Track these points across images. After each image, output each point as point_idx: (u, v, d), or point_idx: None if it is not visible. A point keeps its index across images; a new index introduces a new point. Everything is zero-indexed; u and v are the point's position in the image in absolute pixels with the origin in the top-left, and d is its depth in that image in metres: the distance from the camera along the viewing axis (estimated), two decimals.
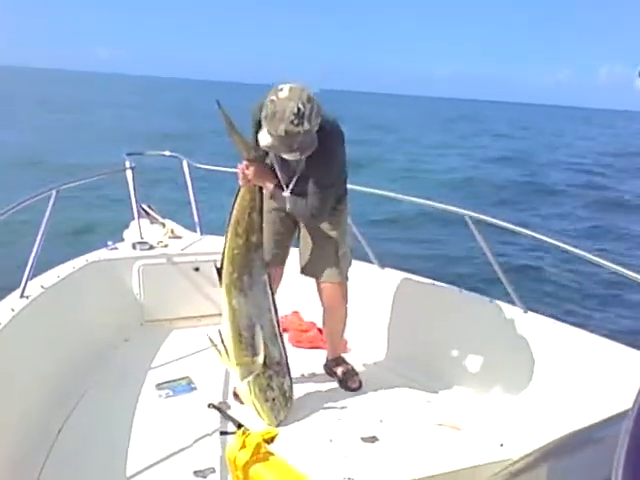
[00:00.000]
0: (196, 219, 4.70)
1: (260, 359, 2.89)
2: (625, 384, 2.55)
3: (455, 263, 9.25)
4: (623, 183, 21.88)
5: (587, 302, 8.16)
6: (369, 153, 23.61)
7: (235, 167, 2.98)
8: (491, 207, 15.26)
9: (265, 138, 2.67)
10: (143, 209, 4.80)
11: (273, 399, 2.90)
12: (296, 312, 4.10)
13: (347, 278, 3.23)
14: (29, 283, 3.20)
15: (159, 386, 3.24)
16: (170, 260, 4.12)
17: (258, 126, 2.76)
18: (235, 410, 2.98)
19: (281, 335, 3.04)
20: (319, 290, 3.23)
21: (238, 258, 2.95)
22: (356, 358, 3.47)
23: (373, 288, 3.77)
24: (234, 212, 2.97)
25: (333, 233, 3.15)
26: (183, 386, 3.26)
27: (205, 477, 2.44)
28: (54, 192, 3.54)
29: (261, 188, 2.97)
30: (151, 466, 2.52)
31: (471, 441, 2.80)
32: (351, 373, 3.34)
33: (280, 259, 3.26)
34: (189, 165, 4.78)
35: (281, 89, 2.60)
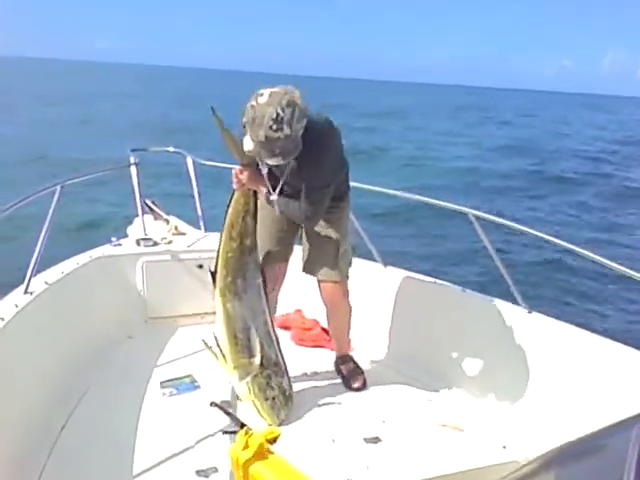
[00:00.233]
0: (200, 216, 4.69)
1: (257, 360, 2.91)
2: (631, 387, 2.54)
3: (458, 262, 9.24)
4: (631, 171, 21.77)
5: (592, 302, 8.13)
6: (374, 141, 23.54)
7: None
8: (498, 196, 15.24)
9: (248, 143, 2.67)
10: (147, 205, 4.79)
11: (273, 398, 2.90)
12: (299, 310, 4.10)
13: (347, 276, 3.22)
14: (33, 279, 3.20)
15: (163, 384, 3.24)
16: (174, 257, 4.12)
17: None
18: (238, 409, 2.98)
19: (276, 336, 3.05)
20: (319, 288, 3.23)
21: (232, 261, 2.97)
22: (359, 357, 3.46)
23: (376, 287, 3.76)
24: (228, 216, 3.00)
25: (334, 231, 3.14)
26: (186, 384, 3.26)
27: (207, 476, 2.44)
28: (58, 188, 3.54)
29: (255, 192, 2.99)
30: (153, 464, 2.52)
31: (474, 443, 2.79)
32: (355, 372, 3.33)
33: (283, 256, 3.25)
34: (193, 161, 4.77)
35: (261, 94, 2.59)
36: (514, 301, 3.24)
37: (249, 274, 2.99)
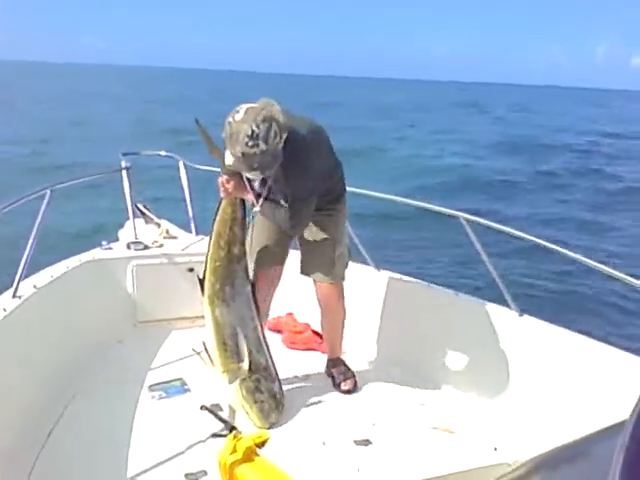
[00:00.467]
0: (191, 219, 4.68)
1: (245, 365, 2.93)
2: (621, 389, 2.54)
3: (450, 265, 9.24)
4: (621, 168, 21.79)
5: (582, 305, 8.15)
6: (366, 140, 23.46)
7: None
8: (489, 196, 15.23)
9: (228, 158, 2.73)
10: (138, 209, 4.77)
11: (262, 401, 2.91)
12: (290, 313, 4.09)
13: (343, 278, 3.24)
14: (22, 283, 3.18)
15: (152, 387, 3.22)
16: (165, 260, 4.10)
17: None
18: (228, 412, 2.96)
19: (267, 342, 3.06)
20: (315, 289, 3.24)
21: (220, 270, 3.02)
22: (351, 360, 3.45)
23: (369, 290, 3.76)
24: (215, 224, 3.05)
25: (331, 233, 3.15)
26: (176, 387, 3.24)
27: None
28: (48, 191, 3.52)
29: (243, 201, 3.03)
30: (143, 468, 2.51)
31: (465, 445, 2.79)
32: (346, 375, 3.33)
33: (279, 259, 3.26)
34: (185, 165, 4.76)
35: (238, 111, 2.66)
36: (505, 304, 3.24)
37: (238, 282, 3.03)
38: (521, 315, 3.18)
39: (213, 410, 2.93)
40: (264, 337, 3.07)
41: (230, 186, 2.95)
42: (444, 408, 3.15)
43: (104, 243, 4.21)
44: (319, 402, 3.14)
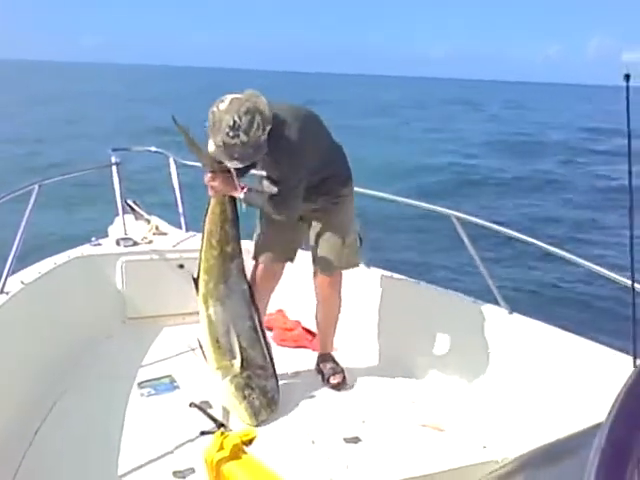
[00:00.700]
0: (181, 216, 4.66)
1: (237, 362, 2.92)
2: (609, 387, 2.54)
3: (440, 262, 9.25)
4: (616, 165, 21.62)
5: (572, 303, 8.18)
6: (359, 138, 23.28)
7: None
8: (482, 195, 15.17)
9: (211, 146, 2.79)
10: (128, 205, 4.75)
11: (253, 398, 2.89)
12: (280, 310, 4.08)
13: (357, 265, 3.30)
14: (9, 279, 3.15)
15: (141, 384, 3.20)
16: (154, 257, 4.08)
17: None
18: (217, 409, 2.95)
19: (265, 340, 3.07)
20: (314, 280, 3.25)
21: (214, 268, 3.03)
22: (341, 357, 3.45)
23: (358, 287, 3.75)
24: (206, 224, 3.07)
25: (339, 221, 3.17)
26: (165, 385, 3.22)
27: (184, 478, 2.41)
28: (36, 187, 3.50)
29: (234, 199, 3.03)
30: (131, 465, 2.49)
31: (454, 442, 2.79)
32: (335, 370, 3.32)
33: (284, 256, 3.29)
34: (175, 161, 4.73)
35: (222, 100, 2.72)
36: (495, 302, 3.25)
37: (232, 280, 3.04)
38: (511, 313, 3.19)
39: (202, 407, 2.92)
40: (264, 335, 3.08)
41: (216, 183, 2.97)
42: (434, 406, 3.15)
43: (93, 239, 4.18)
44: (309, 400, 3.13)
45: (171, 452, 2.59)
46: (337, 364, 3.36)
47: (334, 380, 3.28)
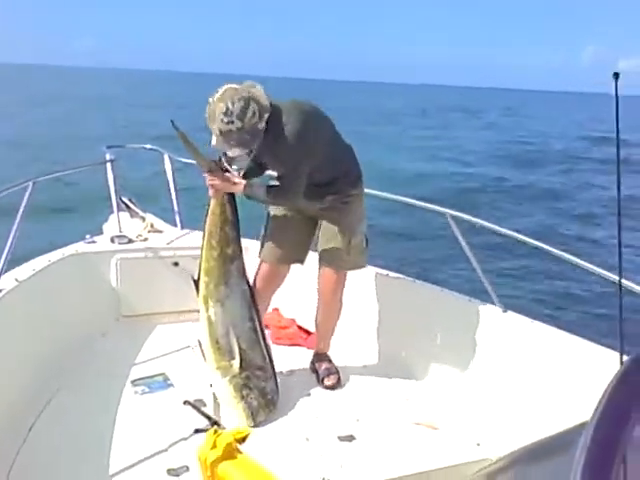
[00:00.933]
0: (176, 213, 4.65)
1: (235, 363, 2.92)
2: (603, 385, 2.55)
3: (435, 261, 9.27)
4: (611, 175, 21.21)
5: (566, 302, 8.22)
6: (356, 146, 22.87)
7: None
8: (482, 206, 15.03)
9: (212, 139, 2.84)
10: (123, 202, 4.74)
11: (251, 398, 2.88)
12: (276, 309, 4.07)
13: (363, 265, 3.31)
14: (3, 276, 3.13)
15: (135, 382, 3.19)
16: (149, 254, 4.07)
17: None
18: (211, 408, 2.95)
19: (265, 342, 3.07)
20: (317, 278, 3.24)
21: (214, 270, 3.04)
22: (335, 355, 3.45)
23: (353, 286, 3.76)
24: (207, 225, 3.08)
25: (347, 221, 3.16)
26: (159, 382, 3.22)
27: (178, 476, 2.41)
28: (31, 184, 3.49)
29: (233, 199, 3.06)
30: (124, 463, 2.49)
31: (448, 440, 2.79)
32: (330, 371, 3.32)
33: (290, 258, 3.28)
34: (170, 159, 4.73)
35: (218, 90, 2.79)
36: (489, 300, 3.26)
37: (232, 281, 3.05)
38: (505, 311, 3.20)
39: (196, 405, 2.91)
40: (264, 337, 3.08)
41: (216, 182, 3.00)
42: (428, 404, 3.15)
43: (88, 236, 4.17)
44: (303, 398, 3.13)
45: (165, 450, 2.59)
46: (332, 365, 3.36)
47: (329, 382, 3.28)
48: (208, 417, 2.79)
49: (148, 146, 4.98)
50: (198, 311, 3.12)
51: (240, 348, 2.96)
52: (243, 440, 1.87)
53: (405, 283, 3.68)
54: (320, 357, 3.39)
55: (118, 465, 2.47)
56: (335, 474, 2.47)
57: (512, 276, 8.85)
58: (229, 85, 2.80)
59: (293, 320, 3.95)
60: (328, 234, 3.18)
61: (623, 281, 0.88)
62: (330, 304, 3.27)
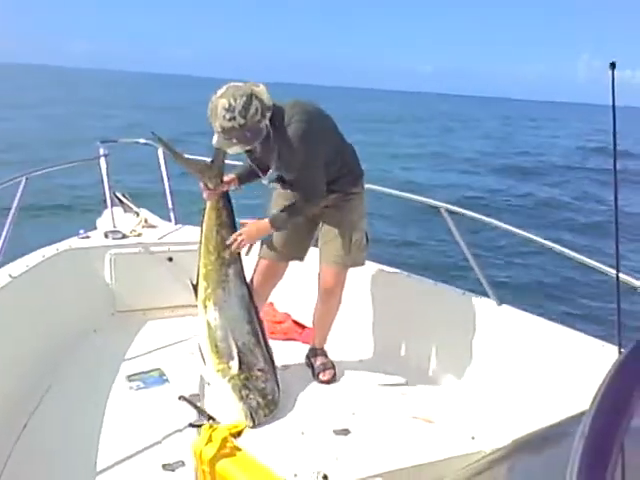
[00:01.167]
0: (171, 209, 4.64)
1: (234, 364, 2.93)
2: (597, 377, 2.56)
3: (430, 255, 9.28)
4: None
5: (561, 295, 8.24)
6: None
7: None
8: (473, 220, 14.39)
9: (214, 138, 2.82)
10: (117, 197, 4.72)
11: (250, 399, 2.88)
12: (271, 303, 4.06)
13: (362, 263, 3.28)
14: None
15: (130, 378, 3.19)
16: (143, 249, 4.06)
17: None
18: (206, 403, 2.95)
19: (267, 343, 3.07)
20: (318, 274, 3.24)
21: (212, 274, 3.05)
22: (331, 350, 3.45)
23: (347, 280, 3.76)
24: (203, 230, 3.09)
25: (348, 219, 3.16)
26: (155, 378, 3.21)
27: (174, 471, 2.41)
28: (24, 179, 3.47)
29: (229, 203, 3.09)
30: (120, 458, 2.48)
31: (443, 434, 2.80)
32: (325, 366, 3.32)
33: (289, 256, 3.28)
34: (164, 153, 4.71)
35: (220, 88, 2.77)
36: (484, 294, 3.26)
37: (230, 285, 3.06)
38: (500, 305, 3.20)
39: (191, 401, 2.91)
40: (264, 339, 3.08)
41: (245, 236, 3.02)
42: (423, 398, 3.16)
43: (81, 232, 4.15)
44: (298, 392, 3.13)
45: (160, 445, 2.59)
46: (328, 359, 3.36)
47: (324, 377, 3.28)
48: (203, 412, 2.78)
49: (142, 140, 4.95)
50: (193, 306, 3.12)
51: (239, 350, 2.96)
52: (238, 434, 1.87)
53: (400, 277, 3.68)
54: (316, 352, 3.39)
55: (114, 460, 2.47)
56: (330, 468, 2.47)
57: (507, 269, 8.87)
58: (231, 83, 2.78)
59: (288, 314, 3.95)
60: (329, 232, 3.17)
61: (620, 275, 0.88)
62: (329, 301, 3.27)
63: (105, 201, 4.52)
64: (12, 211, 3.30)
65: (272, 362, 3.06)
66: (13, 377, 2.90)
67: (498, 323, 3.15)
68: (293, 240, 3.25)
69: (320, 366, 3.32)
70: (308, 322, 3.60)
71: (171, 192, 4.69)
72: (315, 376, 3.29)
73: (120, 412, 2.86)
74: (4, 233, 3.19)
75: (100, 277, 3.95)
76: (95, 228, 4.38)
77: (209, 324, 3.03)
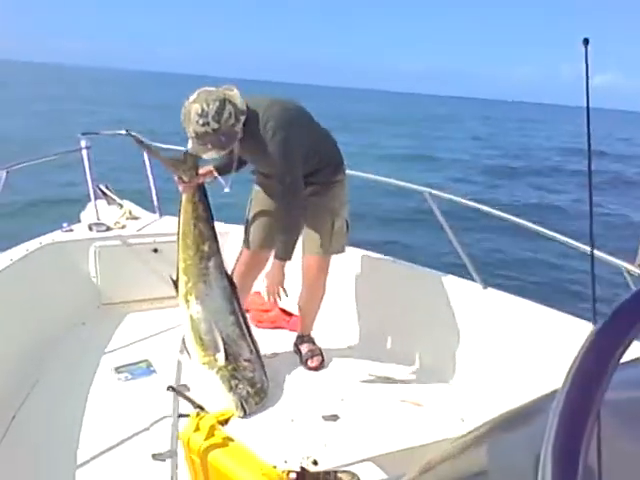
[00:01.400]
0: (155, 200, 4.60)
1: (220, 356, 2.93)
2: None
3: (415, 240, 9.30)
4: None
5: (545, 277, 8.32)
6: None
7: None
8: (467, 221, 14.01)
9: (189, 143, 2.80)
10: (100, 190, 4.68)
11: (239, 388, 2.88)
12: (258, 292, 4.05)
13: (342, 251, 3.27)
14: None
15: (118, 369, 3.18)
16: (127, 241, 4.03)
17: None
18: (195, 393, 2.95)
19: (251, 335, 3.07)
20: (302, 262, 3.24)
21: (191, 268, 3.04)
22: (318, 336, 3.46)
23: (333, 267, 3.76)
24: (180, 224, 3.07)
25: (331, 205, 3.16)
26: (142, 369, 3.21)
27: (164, 460, 2.41)
28: (4, 173, 3.43)
29: (205, 196, 3.07)
30: (109, 450, 2.49)
31: (433, 417, 2.82)
32: (313, 353, 3.34)
33: (270, 243, 3.24)
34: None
35: (192, 93, 2.74)
36: (470, 277, 3.28)
37: (211, 278, 3.05)
38: (485, 288, 3.22)
39: (180, 391, 2.90)
40: (248, 330, 3.08)
41: (272, 283, 3.00)
42: (412, 382, 3.18)
43: (65, 225, 4.11)
44: (287, 379, 3.15)
45: (150, 436, 2.59)
46: (316, 346, 3.37)
47: (312, 363, 3.30)
48: (192, 402, 2.78)
49: (123, 132, 4.89)
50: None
51: (224, 342, 2.96)
52: (226, 422, 1.87)
53: (385, 262, 3.69)
54: (303, 339, 3.41)
55: (103, 452, 2.47)
56: (320, 453, 2.48)
57: (492, 252, 8.92)
58: (204, 88, 2.76)
59: (275, 303, 3.94)
60: (311, 220, 3.17)
61: (595, 252, 0.89)
62: (314, 289, 3.28)
63: (88, 194, 4.48)
64: None
65: (257, 352, 3.06)
66: (0, 371, 2.88)
67: (484, 306, 3.17)
68: (274, 228, 3.24)
69: (308, 353, 3.33)
70: (296, 310, 3.61)
71: (154, 183, 4.66)
72: (303, 363, 3.30)
73: (109, 404, 2.86)
74: None
75: (85, 270, 3.92)
76: (79, 221, 4.34)
77: (192, 318, 3.02)
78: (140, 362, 3.26)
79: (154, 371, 3.18)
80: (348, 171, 3.53)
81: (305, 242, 3.21)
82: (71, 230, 4.07)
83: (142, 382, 3.08)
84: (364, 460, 2.41)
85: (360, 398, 2.97)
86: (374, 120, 45.99)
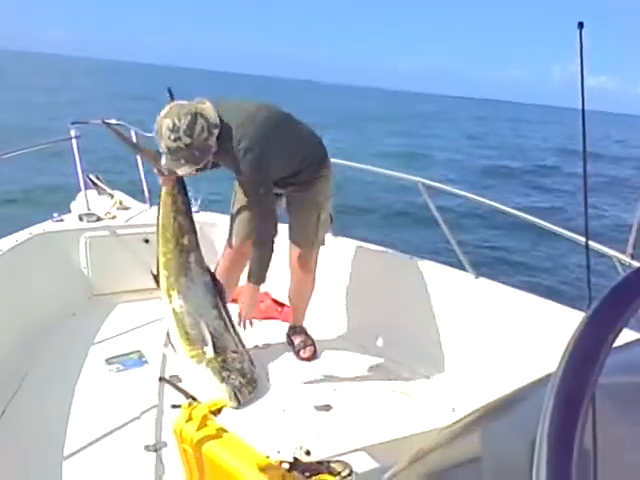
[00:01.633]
0: (145, 189, 4.58)
1: (209, 349, 2.92)
2: None
3: (407, 230, 9.31)
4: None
5: (537, 267, 8.35)
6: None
7: None
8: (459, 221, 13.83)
9: (163, 159, 2.78)
10: (90, 180, 4.64)
11: (232, 379, 2.87)
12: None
13: (323, 243, 3.26)
14: None
15: (109, 360, 3.17)
16: (118, 232, 4.01)
17: None
18: (187, 383, 2.94)
19: (234, 327, 3.07)
20: (289, 254, 3.24)
21: (172, 262, 3.03)
22: (311, 327, 3.46)
23: (325, 257, 3.76)
24: (159, 219, 3.05)
25: (316, 199, 3.15)
26: (134, 360, 3.20)
27: (156, 451, 2.41)
28: None
29: (184, 188, 3.06)
30: (101, 441, 2.48)
31: (424, 407, 2.83)
32: (306, 342, 3.34)
33: (251, 234, 3.20)
34: (137, 134, 4.63)
35: (164, 108, 2.70)
36: (462, 267, 3.28)
37: (192, 271, 3.04)
38: (477, 277, 3.23)
39: (172, 381, 2.90)
40: (230, 320, 3.08)
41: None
42: (403, 372, 3.19)
43: (55, 215, 4.08)
44: (279, 370, 3.15)
45: (142, 427, 2.58)
46: (308, 337, 3.38)
47: (304, 354, 3.30)
48: (184, 393, 2.78)
49: (113, 121, 4.86)
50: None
51: (212, 335, 2.96)
52: (219, 411, 1.87)
53: (377, 252, 3.68)
54: (295, 330, 3.41)
55: (95, 443, 2.46)
56: (312, 443, 2.48)
57: (484, 242, 8.95)
58: (175, 102, 2.73)
59: (267, 293, 3.93)
60: (296, 214, 3.17)
61: (590, 242, 0.89)
62: (303, 281, 3.28)
63: (79, 184, 4.44)
64: None
65: (243, 345, 3.06)
66: None
67: (475, 296, 3.18)
68: (251, 221, 3.21)
69: (300, 344, 3.33)
70: (287, 300, 3.60)
71: (145, 173, 4.63)
72: (296, 354, 3.31)
73: (100, 395, 2.84)
74: None
75: (75, 261, 3.89)
76: (69, 211, 4.31)
77: (175, 312, 3.01)
78: (132, 353, 3.25)
79: (146, 362, 3.17)
80: (339, 160, 3.52)
81: (291, 236, 3.21)
82: (61, 220, 4.03)
83: (134, 373, 3.07)
84: (357, 450, 2.42)
85: (352, 388, 2.98)
86: (370, 118, 45.55)
